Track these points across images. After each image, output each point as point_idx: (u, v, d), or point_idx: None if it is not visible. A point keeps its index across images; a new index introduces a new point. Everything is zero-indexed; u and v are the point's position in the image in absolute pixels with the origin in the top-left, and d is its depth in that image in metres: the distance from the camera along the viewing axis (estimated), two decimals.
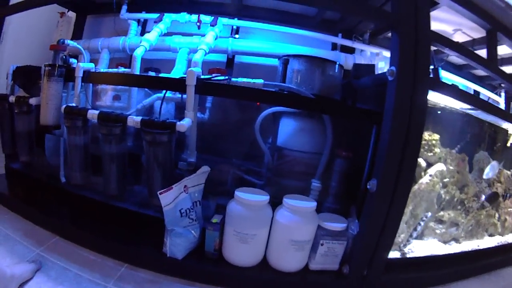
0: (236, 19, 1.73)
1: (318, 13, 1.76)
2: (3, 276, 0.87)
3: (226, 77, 1.20)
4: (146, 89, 1.51)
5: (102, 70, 1.47)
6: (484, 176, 1.53)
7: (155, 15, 1.68)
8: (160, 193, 1.03)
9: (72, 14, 1.95)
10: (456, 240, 1.51)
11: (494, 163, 1.54)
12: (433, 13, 1.09)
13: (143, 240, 1.18)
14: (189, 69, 1.12)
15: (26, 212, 1.31)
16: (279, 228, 1.09)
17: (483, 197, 1.60)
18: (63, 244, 1.18)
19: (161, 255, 1.10)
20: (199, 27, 1.63)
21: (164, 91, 1.30)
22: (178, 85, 1.16)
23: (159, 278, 1.08)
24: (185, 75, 1.13)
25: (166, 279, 1.08)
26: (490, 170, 1.53)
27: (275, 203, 1.13)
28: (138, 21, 1.81)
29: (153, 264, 1.11)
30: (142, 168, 1.37)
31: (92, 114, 1.20)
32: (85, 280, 1.02)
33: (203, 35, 1.60)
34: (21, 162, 1.54)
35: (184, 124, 1.09)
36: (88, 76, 1.33)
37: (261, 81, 1.22)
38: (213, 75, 1.21)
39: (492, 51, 1.43)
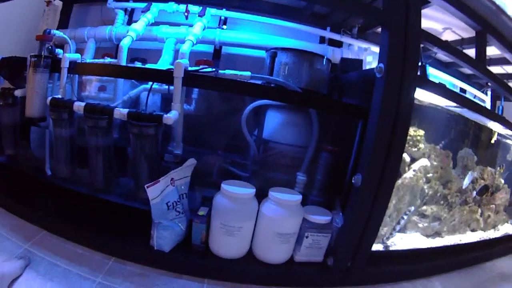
0: (224, 9, 1.71)
1: (308, 6, 1.76)
2: None
3: (214, 69, 1.20)
4: (132, 80, 1.49)
5: (88, 61, 1.44)
6: (463, 187, 1.58)
7: (142, 4, 1.65)
8: (148, 187, 1.02)
9: (58, 3, 1.90)
10: (439, 234, 1.55)
11: (470, 173, 1.58)
12: (424, 11, 1.10)
13: (130, 233, 1.18)
14: (177, 61, 1.11)
15: (12, 206, 1.29)
16: (264, 220, 1.11)
17: (475, 192, 1.64)
18: (51, 239, 1.17)
19: (149, 248, 1.11)
20: (186, 17, 1.61)
21: (151, 83, 1.29)
22: (166, 77, 1.14)
23: (147, 271, 1.09)
24: (172, 67, 1.12)
25: (154, 271, 1.09)
26: (468, 181, 1.57)
27: (260, 196, 1.14)
28: (125, 10, 1.78)
29: (140, 257, 1.11)
30: (128, 160, 1.37)
31: (78, 106, 1.18)
32: (74, 274, 1.02)
33: (191, 25, 1.58)
34: (6, 155, 1.51)
35: (171, 116, 1.09)
36: (74, 67, 1.30)
37: (248, 73, 1.22)
38: (201, 67, 1.20)
39: (481, 52, 1.45)
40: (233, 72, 1.20)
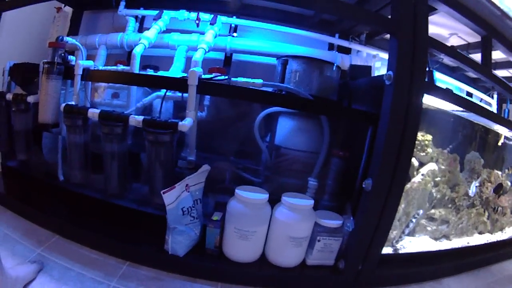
0: (234, 17, 1.73)
1: (316, 14, 1.78)
2: (9, 278, 0.87)
3: (226, 77, 1.22)
4: (145, 87, 1.51)
5: (101, 68, 1.47)
6: (471, 195, 1.60)
7: (153, 12, 1.68)
8: (164, 192, 1.04)
9: (68, 9, 1.93)
10: (447, 237, 1.56)
11: (474, 182, 1.60)
12: (430, 18, 1.12)
13: (144, 238, 1.20)
14: (191, 69, 1.13)
15: (25, 211, 1.31)
16: (278, 225, 1.13)
17: (491, 190, 1.68)
18: (64, 243, 1.19)
19: (163, 252, 1.13)
20: (198, 25, 1.63)
21: (164, 90, 1.31)
22: (180, 85, 1.16)
23: (161, 275, 1.10)
24: (184, 74, 1.14)
25: (168, 276, 1.10)
26: (474, 189, 1.59)
27: (272, 200, 1.16)
28: (136, 17, 1.81)
29: (154, 261, 1.13)
30: (140, 166, 1.38)
31: (93, 113, 1.20)
32: (88, 279, 1.03)
33: (202, 33, 1.60)
34: (18, 160, 1.53)
35: (186, 124, 1.10)
36: (88, 74, 1.32)
37: (260, 81, 1.24)
38: (214, 75, 1.22)
39: (486, 57, 1.46)
40: (245, 80, 1.22)
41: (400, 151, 1.05)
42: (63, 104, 1.27)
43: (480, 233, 1.73)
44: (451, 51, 1.35)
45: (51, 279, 1.00)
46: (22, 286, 0.92)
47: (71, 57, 1.40)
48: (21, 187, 1.49)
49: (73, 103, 1.31)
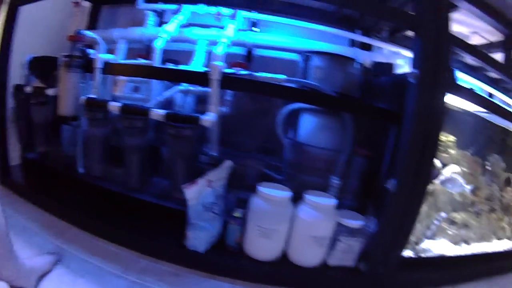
0: (255, 12, 1.71)
1: (338, 9, 1.76)
2: (23, 269, 0.86)
3: (249, 72, 1.20)
4: (165, 81, 1.50)
5: (122, 62, 1.46)
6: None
7: (172, 6, 1.66)
8: (185, 188, 1.04)
9: (86, 4, 1.94)
10: (466, 241, 1.53)
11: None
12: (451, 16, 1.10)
13: (163, 233, 1.19)
14: (213, 62, 1.12)
15: (44, 203, 1.32)
16: (300, 223, 1.11)
17: None
18: (82, 236, 1.18)
19: (183, 247, 1.12)
20: (218, 19, 1.61)
21: (186, 84, 1.30)
22: (202, 78, 1.15)
23: (180, 270, 1.10)
24: (207, 68, 1.13)
25: (187, 271, 1.10)
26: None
27: (293, 198, 1.14)
28: (156, 11, 1.80)
29: (174, 256, 1.13)
30: (160, 159, 1.38)
31: (114, 106, 1.20)
32: (106, 272, 1.03)
33: (222, 27, 1.59)
34: (37, 152, 1.54)
35: (209, 118, 1.10)
36: (109, 68, 1.32)
37: (283, 76, 1.22)
38: (236, 69, 1.21)
39: (509, 56, 1.43)
40: (267, 75, 1.20)
41: (424, 151, 1.03)
42: (85, 97, 1.27)
43: (499, 239, 1.69)
44: (474, 50, 1.32)
45: (68, 271, 0.99)
46: (38, 277, 0.92)
47: (90, 51, 1.40)
48: (41, 179, 1.49)
49: (94, 96, 1.31)
